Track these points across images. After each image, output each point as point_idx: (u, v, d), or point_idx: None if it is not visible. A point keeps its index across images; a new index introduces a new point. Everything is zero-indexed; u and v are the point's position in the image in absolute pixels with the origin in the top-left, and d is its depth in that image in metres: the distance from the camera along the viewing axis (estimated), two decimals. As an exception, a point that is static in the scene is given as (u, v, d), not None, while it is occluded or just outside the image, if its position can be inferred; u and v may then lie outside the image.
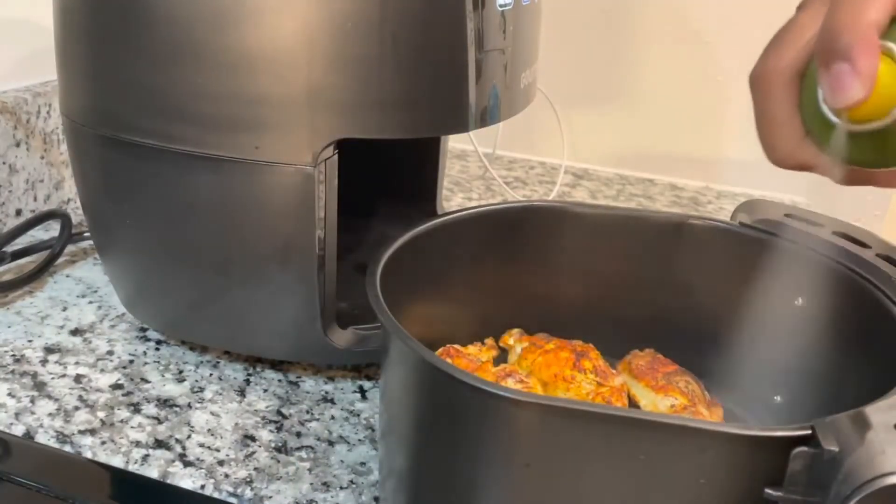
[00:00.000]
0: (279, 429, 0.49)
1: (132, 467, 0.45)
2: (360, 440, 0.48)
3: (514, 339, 0.50)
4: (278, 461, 0.46)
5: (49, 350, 0.55)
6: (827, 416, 0.29)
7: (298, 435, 0.48)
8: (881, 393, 0.32)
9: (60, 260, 0.66)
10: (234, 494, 0.44)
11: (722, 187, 0.98)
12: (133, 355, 0.55)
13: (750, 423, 0.47)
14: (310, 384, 0.53)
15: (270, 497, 0.43)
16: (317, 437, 0.48)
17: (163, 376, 0.53)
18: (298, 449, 0.47)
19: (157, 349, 0.56)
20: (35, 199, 0.74)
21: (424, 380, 0.36)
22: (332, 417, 0.50)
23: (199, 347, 0.56)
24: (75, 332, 0.58)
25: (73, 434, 0.47)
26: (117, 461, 0.46)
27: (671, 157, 0.98)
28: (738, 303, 0.49)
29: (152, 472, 0.45)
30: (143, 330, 0.58)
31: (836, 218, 0.48)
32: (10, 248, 0.65)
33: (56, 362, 0.54)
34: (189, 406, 0.50)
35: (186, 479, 0.44)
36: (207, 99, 0.44)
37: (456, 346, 0.48)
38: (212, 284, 0.50)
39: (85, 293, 0.63)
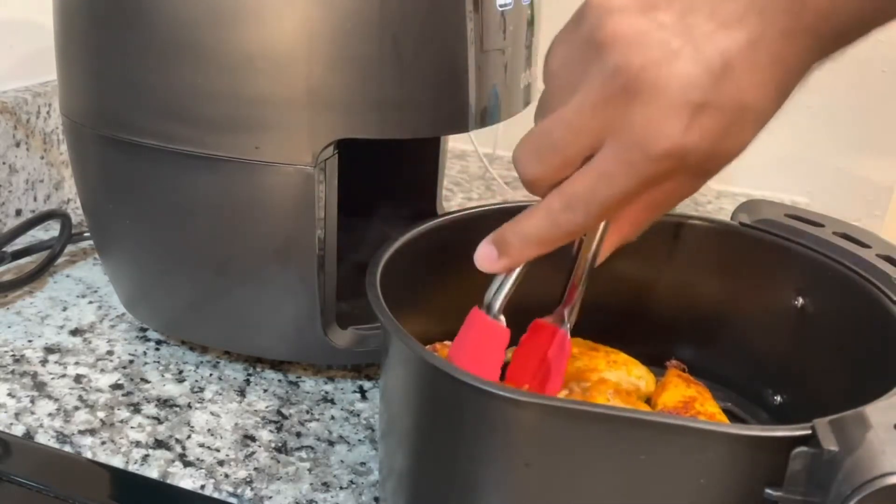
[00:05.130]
0: (279, 429, 0.49)
1: (132, 467, 0.45)
2: (360, 440, 0.48)
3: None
4: (278, 461, 0.46)
5: (49, 350, 0.55)
6: (827, 416, 0.29)
7: (298, 435, 0.48)
8: (881, 393, 0.32)
9: (60, 260, 0.66)
10: (234, 494, 0.44)
11: (722, 187, 0.98)
12: (133, 355, 0.55)
13: (750, 423, 0.47)
14: (310, 384, 0.53)
15: (270, 497, 0.43)
16: (317, 437, 0.48)
17: (163, 376, 0.53)
18: (298, 449, 0.47)
19: (157, 349, 0.56)
20: (35, 199, 0.74)
21: (424, 380, 0.36)
22: (332, 417, 0.50)
23: (199, 347, 0.56)
24: (75, 332, 0.58)
25: (73, 434, 0.47)
26: (117, 461, 0.46)
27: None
28: (738, 303, 0.49)
29: (152, 472, 0.45)
30: (143, 330, 0.58)
31: (836, 218, 0.48)
32: (10, 248, 0.65)
33: (56, 362, 0.54)
34: (189, 406, 0.50)
35: (186, 479, 0.44)
36: (207, 99, 0.44)
37: (446, 342, 0.48)
38: (212, 284, 0.50)
39: (85, 293, 0.63)
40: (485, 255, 0.38)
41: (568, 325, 0.42)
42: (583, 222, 0.35)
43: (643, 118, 0.32)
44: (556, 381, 0.42)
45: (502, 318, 0.39)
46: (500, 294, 0.39)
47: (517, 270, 0.38)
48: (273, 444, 0.47)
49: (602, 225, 0.40)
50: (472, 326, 0.40)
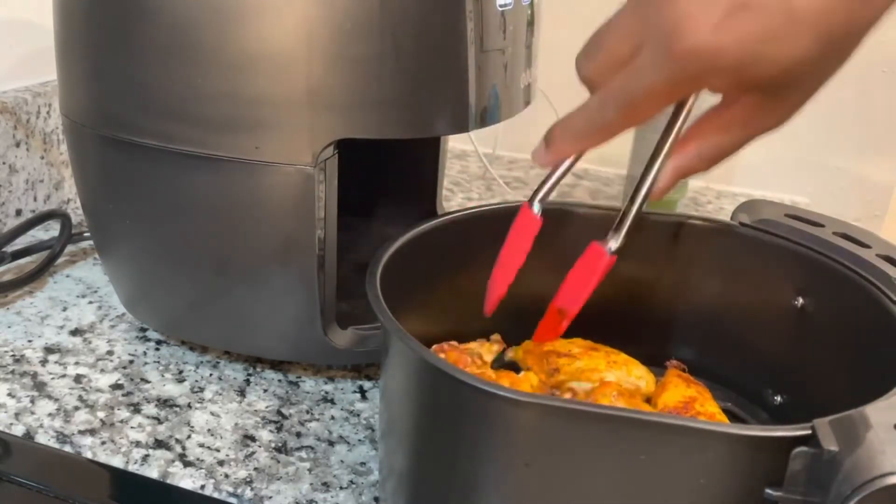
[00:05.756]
0: (279, 429, 0.49)
1: (132, 467, 0.45)
2: (360, 440, 0.48)
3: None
4: (278, 461, 0.46)
5: (49, 350, 0.55)
6: (827, 416, 0.29)
7: (298, 435, 0.48)
8: (881, 393, 0.32)
9: (60, 260, 0.66)
10: (234, 494, 0.44)
11: (722, 187, 0.98)
12: (133, 355, 0.55)
13: (750, 423, 0.47)
14: (310, 384, 0.53)
15: (270, 497, 0.43)
16: (317, 437, 0.48)
17: (163, 376, 0.53)
18: (298, 449, 0.47)
19: (157, 349, 0.56)
20: (35, 199, 0.74)
21: (424, 380, 0.36)
22: (332, 417, 0.50)
23: (199, 347, 0.56)
24: (75, 332, 0.58)
25: (73, 434, 0.47)
26: (117, 461, 0.46)
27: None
28: (738, 303, 0.49)
29: (152, 472, 0.45)
30: (143, 330, 0.58)
31: (836, 218, 0.48)
32: (10, 248, 0.65)
33: (56, 362, 0.54)
34: (189, 406, 0.50)
35: (186, 479, 0.44)
36: (207, 99, 0.44)
37: (452, 342, 0.48)
38: (212, 284, 0.50)
39: (85, 293, 0.63)
40: (536, 151, 0.40)
41: (612, 248, 0.42)
42: (613, 118, 0.36)
43: (673, 14, 0.32)
44: (582, 294, 0.43)
45: (538, 207, 0.43)
46: (543, 186, 0.43)
47: (563, 167, 0.41)
48: (273, 444, 0.47)
49: (667, 147, 0.40)
50: (517, 216, 0.44)
